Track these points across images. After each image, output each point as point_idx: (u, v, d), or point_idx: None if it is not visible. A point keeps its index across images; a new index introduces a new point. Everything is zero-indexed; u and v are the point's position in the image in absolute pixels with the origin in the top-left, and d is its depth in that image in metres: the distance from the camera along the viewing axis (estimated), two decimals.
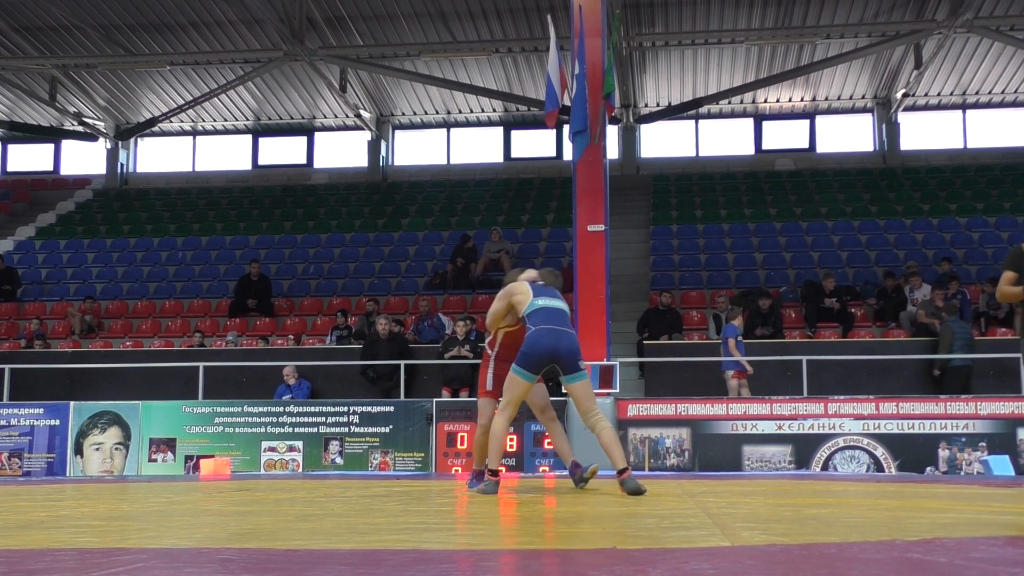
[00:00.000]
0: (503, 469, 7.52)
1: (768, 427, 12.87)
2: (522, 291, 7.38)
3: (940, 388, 14.36)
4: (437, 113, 25.98)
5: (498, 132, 26.33)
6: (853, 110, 25.13)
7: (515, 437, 12.99)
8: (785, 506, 6.19)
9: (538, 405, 7.88)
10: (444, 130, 26.52)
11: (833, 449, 12.74)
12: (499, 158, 26.27)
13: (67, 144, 27.64)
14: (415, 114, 26.04)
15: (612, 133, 23.18)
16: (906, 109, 24.48)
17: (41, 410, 14.45)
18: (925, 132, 25.05)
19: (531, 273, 7.77)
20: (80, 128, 25.69)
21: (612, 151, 22.22)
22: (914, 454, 12.59)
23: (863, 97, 24.73)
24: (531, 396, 7.73)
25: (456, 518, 5.52)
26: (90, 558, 3.60)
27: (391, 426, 13.66)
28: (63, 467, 14.13)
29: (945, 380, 14.43)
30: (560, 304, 7.38)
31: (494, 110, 25.74)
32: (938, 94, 24.43)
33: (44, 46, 22.81)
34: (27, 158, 28.01)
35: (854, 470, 12.55)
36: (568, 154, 17.75)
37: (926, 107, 24.92)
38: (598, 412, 7.27)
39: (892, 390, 14.38)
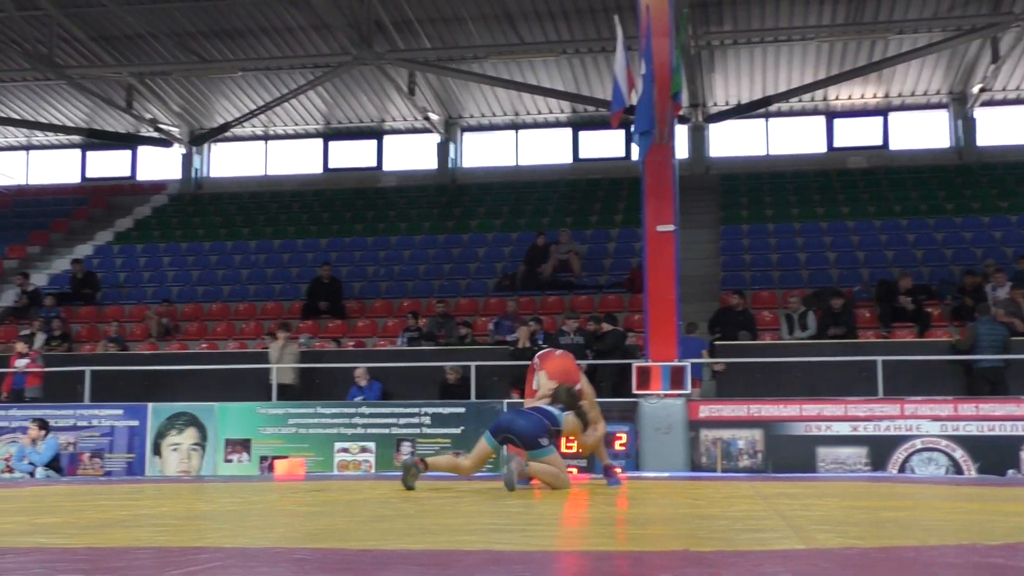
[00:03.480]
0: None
1: (843, 428, 12.76)
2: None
3: (970, 390, 14.05)
4: (505, 115, 26.03)
5: (566, 133, 26.31)
6: (928, 106, 24.70)
7: None
8: (861, 509, 6.13)
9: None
10: (512, 131, 26.54)
11: (910, 451, 12.55)
12: (567, 159, 26.23)
13: (143, 150, 28.10)
14: (483, 116, 26.12)
15: (681, 133, 22.95)
16: (983, 104, 23.98)
17: (121, 411, 14.79)
18: (1003, 127, 24.50)
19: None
20: (155, 134, 26.14)
21: (681, 151, 22.03)
22: (995, 456, 12.35)
23: (938, 93, 24.28)
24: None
25: (527, 519, 5.51)
26: (169, 556, 3.65)
27: (462, 427, 13.74)
28: (142, 467, 14.43)
29: (973, 381, 14.11)
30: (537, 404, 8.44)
31: (562, 111, 25.72)
32: (1016, 88, 23.88)
33: (120, 54, 23.25)
34: (105, 164, 28.58)
35: (932, 473, 12.34)
36: (636, 154, 17.70)
37: (1004, 102, 24.39)
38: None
39: (971, 391, 14.09)
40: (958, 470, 12.33)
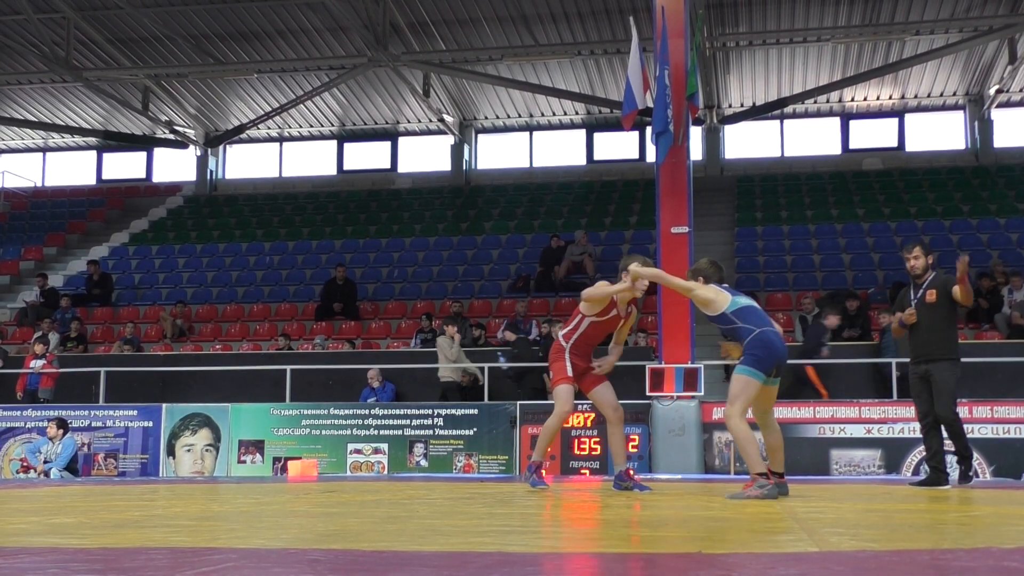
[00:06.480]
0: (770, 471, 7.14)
1: (857, 431, 12.69)
2: (718, 293, 7.26)
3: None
4: (519, 116, 25.99)
5: (580, 134, 26.28)
6: (944, 107, 24.58)
7: (598, 439, 13.01)
8: (875, 511, 6.02)
9: (612, 404, 7.87)
10: (527, 133, 26.52)
11: (924, 454, 12.45)
12: (582, 160, 26.23)
13: (159, 152, 28.16)
14: (497, 118, 26.10)
15: (696, 134, 23.09)
16: (1000, 106, 23.84)
17: (135, 412, 14.81)
18: (1020, 129, 24.34)
19: (702, 265, 7.51)
20: (171, 136, 26.18)
21: (696, 152, 22.05)
22: (1010, 459, 12.27)
23: (954, 94, 24.16)
24: (604, 395, 7.78)
25: (540, 521, 5.48)
26: (182, 557, 3.66)
27: (475, 429, 13.72)
28: (156, 468, 14.44)
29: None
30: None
31: (576, 112, 25.69)
32: None
33: (137, 56, 23.28)
34: (121, 166, 28.68)
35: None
36: (651, 156, 17.78)
37: (1021, 103, 24.23)
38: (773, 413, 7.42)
39: (986, 393, 13.98)
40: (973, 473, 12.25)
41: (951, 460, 9.37)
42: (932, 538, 4.45)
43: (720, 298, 7.16)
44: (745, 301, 7.25)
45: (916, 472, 12.31)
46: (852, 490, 8.38)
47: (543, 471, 7.90)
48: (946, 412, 8.65)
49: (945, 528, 5.05)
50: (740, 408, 6.99)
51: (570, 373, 7.70)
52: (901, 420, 12.57)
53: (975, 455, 12.16)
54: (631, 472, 7.94)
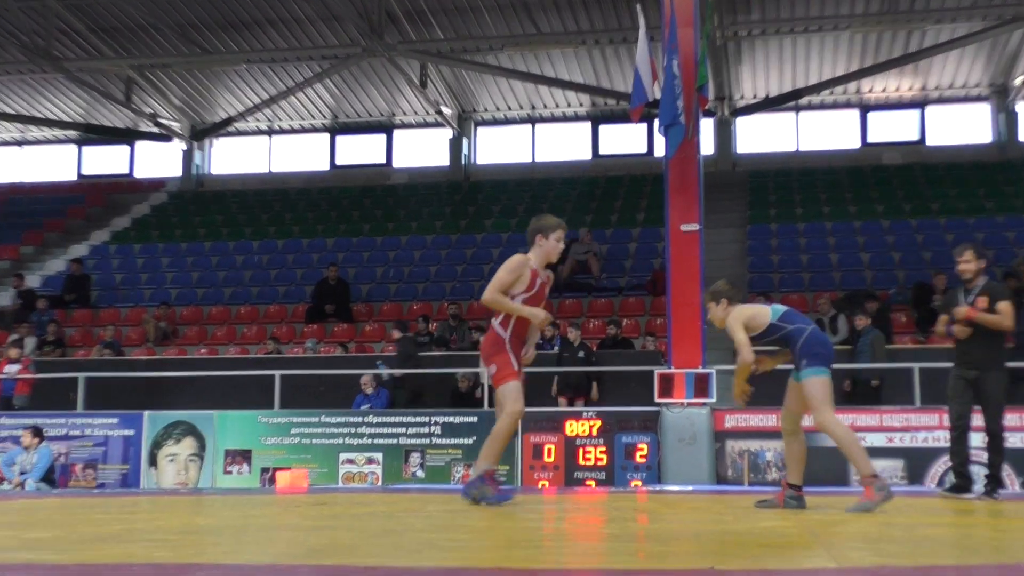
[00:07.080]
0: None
1: (878, 440, 12.33)
2: (757, 308, 7.30)
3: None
4: (521, 108, 25.83)
5: (585, 127, 26.09)
6: (967, 99, 24.33)
7: (604, 448, 12.88)
8: (896, 525, 5.85)
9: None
10: (529, 126, 26.33)
11: (949, 464, 11.92)
12: (586, 155, 26.03)
13: (141, 145, 27.99)
14: (498, 110, 25.94)
15: (706, 127, 22.94)
16: None
17: (115, 420, 14.61)
18: None
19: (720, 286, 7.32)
20: (155, 129, 26.00)
21: (707, 146, 22.04)
22: None
23: (978, 85, 23.89)
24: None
25: (543, 535, 5.38)
26: (165, 572, 3.69)
27: (474, 437, 13.32)
28: (137, 479, 14.31)
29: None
30: None
31: (581, 104, 25.51)
32: None
33: (120, 46, 23.16)
34: (102, 161, 28.42)
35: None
36: (659, 150, 17.67)
37: None
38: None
39: (1015, 400, 13.34)
40: (1001, 484, 11.71)
41: (976, 470, 9.39)
42: (957, 554, 4.46)
43: (760, 311, 7.15)
44: (779, 306, 7.27)
45: (941, 483, 11.93)
46: None
47: (494, 478, 7.08)
48: (995, 425, 8.79)
49: (971, 543, 5.03)
50: (831, 412, 6.88)
51: (516, 367, 7.05)
52: (924, 428, 12.27)
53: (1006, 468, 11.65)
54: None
